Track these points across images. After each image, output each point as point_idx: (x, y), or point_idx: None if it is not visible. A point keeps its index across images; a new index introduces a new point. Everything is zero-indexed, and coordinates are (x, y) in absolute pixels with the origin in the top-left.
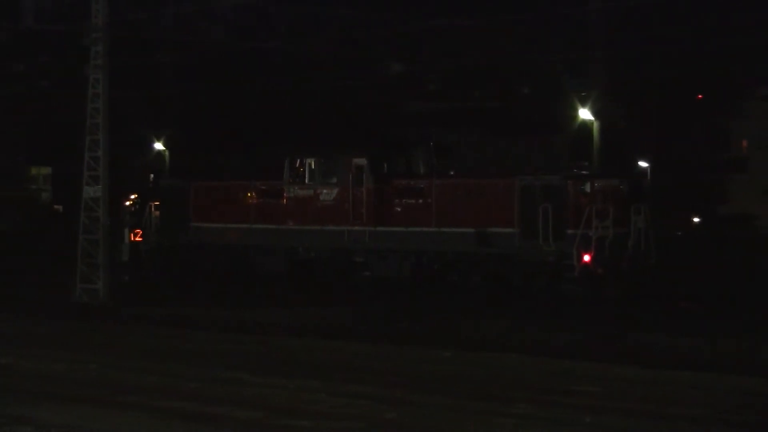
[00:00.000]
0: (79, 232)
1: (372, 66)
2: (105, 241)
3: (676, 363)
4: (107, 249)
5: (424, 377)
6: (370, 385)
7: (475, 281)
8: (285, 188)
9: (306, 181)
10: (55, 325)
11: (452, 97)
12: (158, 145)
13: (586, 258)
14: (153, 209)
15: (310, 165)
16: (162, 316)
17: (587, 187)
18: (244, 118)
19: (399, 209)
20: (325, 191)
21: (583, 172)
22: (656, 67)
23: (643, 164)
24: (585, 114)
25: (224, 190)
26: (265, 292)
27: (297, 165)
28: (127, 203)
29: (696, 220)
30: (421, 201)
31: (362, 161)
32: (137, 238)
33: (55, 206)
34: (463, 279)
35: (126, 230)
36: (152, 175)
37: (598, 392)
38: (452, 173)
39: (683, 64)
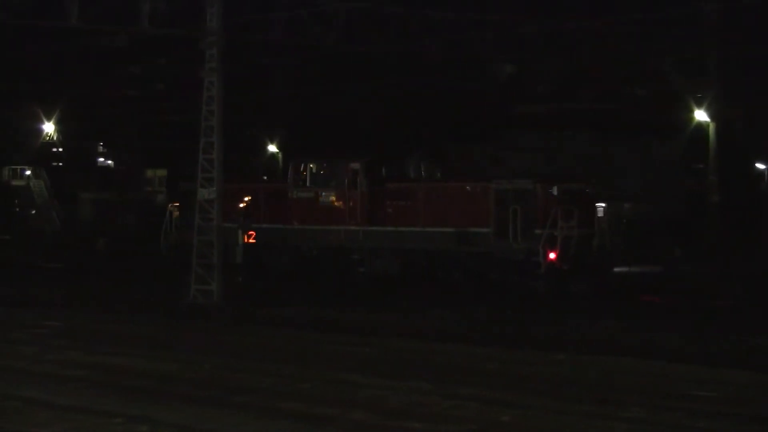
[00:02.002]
0: (194, 233)
1: (482, 68)
2: (219, 243)
3: None
4: (221, 250)
5: (536, 380)
6: (483, 387)
7: (457, 278)
8: (289, 190)
9: (308, 183)
10: (170, 325)
11: (562, 99)
12: (272, 147)
13: (552, 255)
14: (174, 211)
15: (311, 169)
16: (274, 317)
17: (554, 191)
18: (354, 120)
19: (390, 210)
20: (324, 193)
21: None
22: None
23: (760, 166)
24: (701, 116)
25: (235, 192)
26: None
27: (301, 169)
28: (241, 205)
29: None
30: (409, 203)
31: (357, 166)
32: (251, 240)
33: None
34: (446, 276)
35: (239, 232)
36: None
37: (712, 397)
38: (439, 177)
39: None
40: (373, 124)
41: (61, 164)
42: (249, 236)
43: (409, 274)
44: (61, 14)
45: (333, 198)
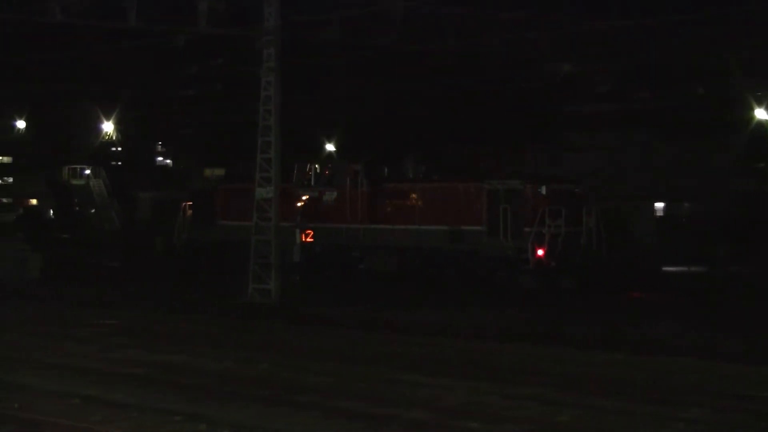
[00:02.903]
0: (252, 232)
1: (540, 67)
2: (276, 242)
3: None
4: (279, 250)
5: (594, 380)
6: (540, 387)
7: (450, 275)
8: (294, 190)
9: (312, 183)
10: (227, 324)
11: (621, 99)
12: (329, 146)
13: (540, 252)
14: (187, 209)
15: (315, 169)
16: (329, 316)
17: (543, 191)
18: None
19: (389, 209)
20: (327, 193)
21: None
22: None
23: None
24: (761, 114)
25: (243, 191)
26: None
27: (307, 169)
28: (299, 204)
29: None
30: (406, 202)
31: (358, 167)
32: (308, 239)
33: None
34: (439, 273)
35: (297, 231)
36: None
37: None
38: (435, 178)
39: None
40: (429, 124)
41: (120, 164)
42: (307, 235)
43: (407, 271)
44: (120, 15)
45: (335, 197)
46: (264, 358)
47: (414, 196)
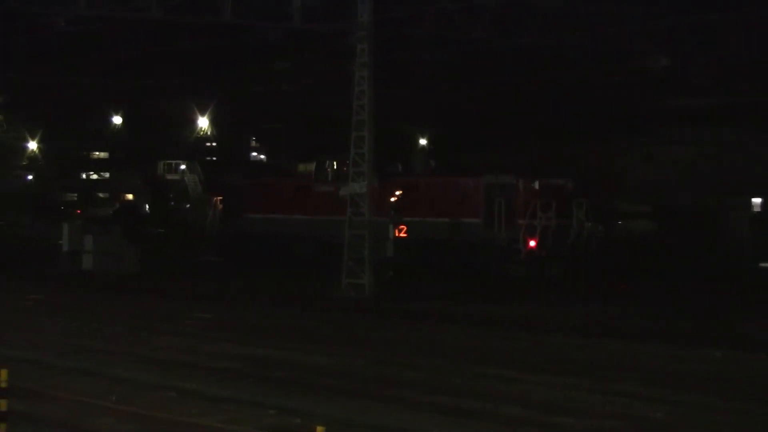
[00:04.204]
0: (346, 227)
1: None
2: (369, 237)
3: None
4: (372, 245)
5: (689, 376)
6: (634, 382)
7: (450, 264)
8: (313, 185)
9: (329, 179)
10: (321, 318)
11: (717, 93)
12: (423, 141)
13: (532, 243)
14: (218, 203)
15: (333, 165)
16: (420, 310)
17: (536, 185)
18: (505, 114)
19: (396, 203)
20: (342, 187)
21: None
22: None
23: None
24: None
25: (267, 186)
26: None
27: (326, 165)
28: (392, 199)
29: None
30: (411, 196)
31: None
32: (402, 234)
33: None
34: (440, 262)
35: (390, 226)
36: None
37: None
38: (438, 172)
39: None
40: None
41: (214, 159)
42: (400, 230)
43: (412, 261)
44: (215, 11)
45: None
46: (357, 352)
47: (417, 190)
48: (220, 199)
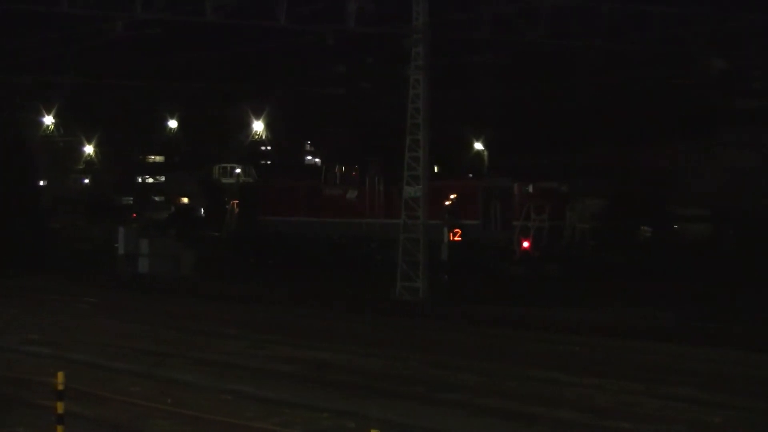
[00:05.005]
0: (400, 231)
1: (695, 63)
2: (425, 240)
3: None
4: (427, 248)
5: (746, 380)
6: (692, 387)
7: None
8: (322, 188)
9: (337, 182)
10: (375, 321)
11: None
12: (478, 145)
13: (526, 244)
14: (235, 206)
15: (341, 169)
16: (474, 313)
17: (530, 188)
18: (563, 117)
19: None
20: (350, 191)
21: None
22: None
23: None
24: None
25: (280, 189)
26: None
27: (335, 169)
28: (447, 203)
29: None
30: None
31: (377, 166)
32: (456, 238)
33: None
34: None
35: (445, 229)
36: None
37: None
38: (441, 176)
39: None
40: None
41: (269, 162)
42: (455, 234)
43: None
44: (270, 14)
45: (357, 195)
46: (412, 355)
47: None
48: (237, 203)
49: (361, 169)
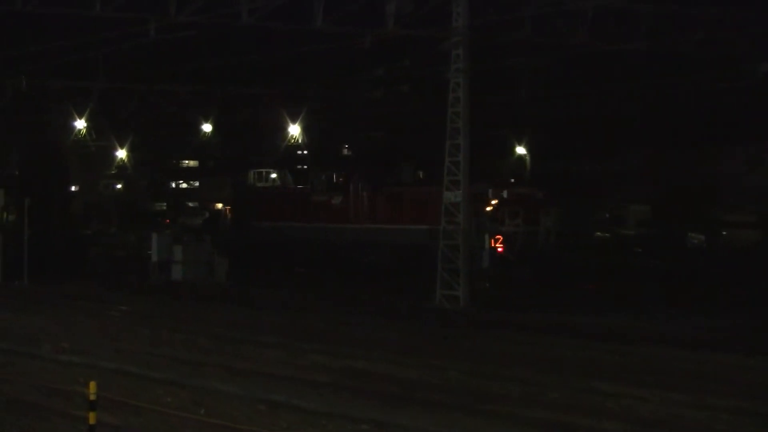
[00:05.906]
0: (440, 238)
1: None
2: (465, 247)
3: None
4: (468, 255)
5: None
6: (738, 398)
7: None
8: (310, 195)
9: (325, 189)
10: (414, 329)
11: None
12: (520, 149)
13: (500, 248)
14: (228, 211)
15: (328, 176)
16: (515, 322)
17: (505, 194)
18: (605, 122)
19: (384, 212)
20: (335, 197)
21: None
22: None
23: None
24: None
25: (273, 196)
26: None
27: (323, 177)
28: (488, 209)
29: None
30: (398, 205)
31: (361, 174)
32: (498, 245)
33: None
34: (420, 266)
35: (486, 236)
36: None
37: None
38: (422, 182)
39: None
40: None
41: (305, 167)
42: (497, 240)
43: (398, 264)
44: (307, 17)
45: (343, 201)
46: (452, 365)
47: (402, 199)
48: (230, 208)
49: (347, 175)
